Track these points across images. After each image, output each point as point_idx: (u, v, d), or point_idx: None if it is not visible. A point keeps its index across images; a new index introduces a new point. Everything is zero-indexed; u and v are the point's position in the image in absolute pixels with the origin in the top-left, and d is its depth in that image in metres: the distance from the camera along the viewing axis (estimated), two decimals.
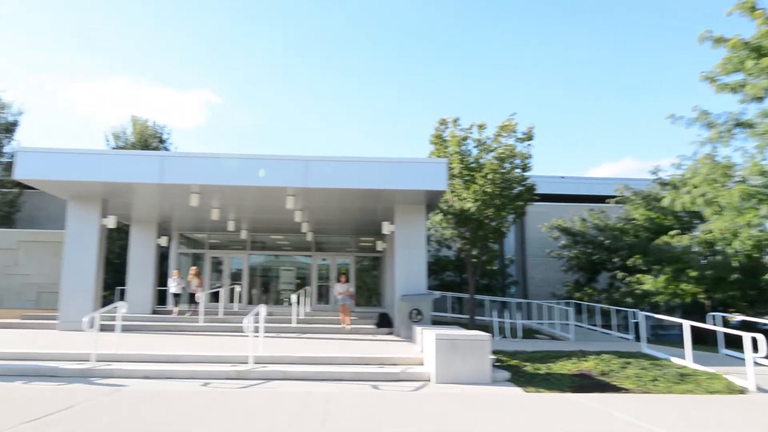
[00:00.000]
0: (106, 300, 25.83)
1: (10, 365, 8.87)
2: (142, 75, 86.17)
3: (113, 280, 25.78)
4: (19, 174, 13.16)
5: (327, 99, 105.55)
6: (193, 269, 18.11)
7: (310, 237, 20.85)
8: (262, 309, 10.05)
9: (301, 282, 22.72)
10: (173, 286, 17.87)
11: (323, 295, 22.40)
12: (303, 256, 22.89)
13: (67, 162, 13.26)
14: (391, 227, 15.39)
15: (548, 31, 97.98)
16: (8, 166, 26.66)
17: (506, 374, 9.37)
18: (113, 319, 17.14)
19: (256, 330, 9.69)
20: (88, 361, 9.25)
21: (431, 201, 15.22)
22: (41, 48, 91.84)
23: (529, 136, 17.56)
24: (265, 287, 23.11)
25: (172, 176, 13.21)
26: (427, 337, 9.77)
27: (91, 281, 14.58)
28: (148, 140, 28.09)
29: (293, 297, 15.96)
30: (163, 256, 25.93)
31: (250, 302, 22.07)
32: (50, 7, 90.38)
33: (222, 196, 14.71)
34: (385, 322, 15.57)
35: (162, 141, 28.76)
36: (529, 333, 17.52)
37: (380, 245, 19.81)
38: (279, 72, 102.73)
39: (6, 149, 27.80)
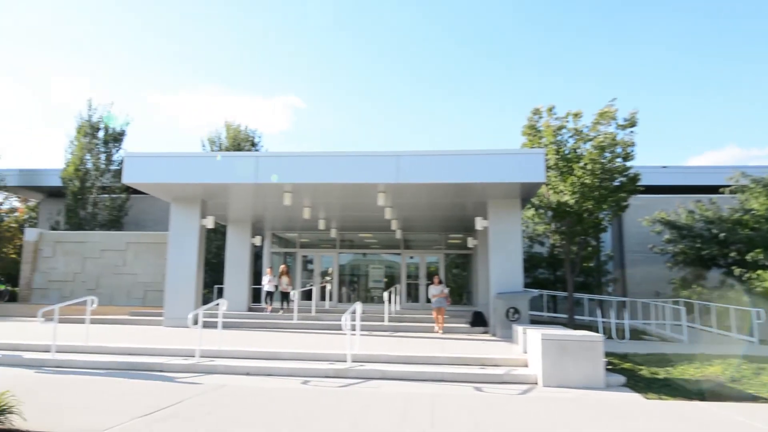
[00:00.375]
0: (206, 298, 27.04)
1: (122, 361, 9.25)
2: (231, 84, 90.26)
3: (211, 279, 26.93)
4: (126, 178, 13.89)
5: (409, 101, 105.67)
6: (282, 267, 18.33)
7: (399, 235, 20.65)
8: (359, 307, 9.88)
9: (390, 280, 22.60)
10: (266, 284, 18.21)
11: (412, 294, 22.15)
12: (391, 254, 22.76)
13: (169, 165, 13.82)
14: (484, 223, 14.82)
15: (632, 18, 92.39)
16: (117, 174, 28.60)
17: (620, 378, 8.61)
18: (213, 316, 17.82)
19: (353, 328, 9.51)
20: (192, 357, 9.48)
21: (527, 194, 14.51)
22: (137, 62, 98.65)
23: (632, 122, 16.33)
24: (355, 286, 23.22)
25: (266, 176, 13.42)
26: (532, 337, 9.19)
27: (192, 280, 15.14)
28: (241, 144, 29.11)
29: (385, 295, 15.76)
30: (256, 255, 26.83)
31: (340, 300, 22.24)
32: (138, 19, 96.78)
33: (313, 194, 14.80)
34: (479, 320, 15.03)
35: (254, 144, 29.70)
36: (635, 334, 16.31)
37: (471, 242, 19.25)
38: (361, 75, 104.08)
39: (115, 158, 29.79)
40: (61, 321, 16.03)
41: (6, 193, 34.50)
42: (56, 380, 7.92)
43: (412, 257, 22.45)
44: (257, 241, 19.96)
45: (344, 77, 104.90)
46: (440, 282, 14.67)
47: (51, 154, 78.19)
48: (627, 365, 9.77)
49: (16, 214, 39.38)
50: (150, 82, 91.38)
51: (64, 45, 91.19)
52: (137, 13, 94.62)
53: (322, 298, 21.11)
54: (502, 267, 14.29)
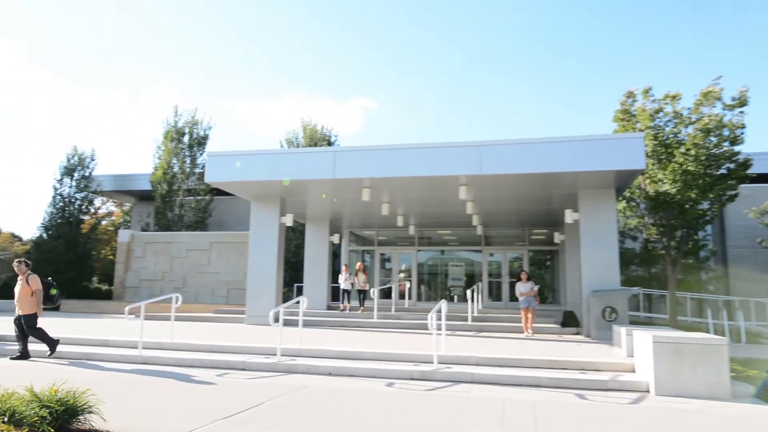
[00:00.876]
0: (286, 297, 27.36)
1: (204, 358, 9.16)
2: (308, 90, 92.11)
3: (290, 277, 27.22)
4: (208, 177, 14.04)
5: (482, 100, 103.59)
6: (358, 265, 17.83)
7: (479, 231, 19.85)
8: (444, 305, 9.28)
9: (470, 279, 21.81)
10: (342, 282, 17.89)
11: (494, 292, 21.24)
12: (472, 251, 21.95)
13: (248, 163, 13.83)
14: (574, 215, 13.79)
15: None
16: (201, 176, 29.54)
17: (749, 388, 7.49)
18: (293, 314, 17.81)
19: (439, 327, 8.92)
20: (273, 355, 9.26)
21: (622, 184, 13.35)
22: (221, 71, 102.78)
23: (741, 102, 14.68)
24: (434, 284, 22.59)
25: (344, 171, 13.12)
26: (639, 339, 8.23)
27: (272, 277, 15.12)
28: (318, 143, 29.26)
29: (468, 293, 15.05)
30: (334, 254, 26.84)
31: (419, 299, 21.72)
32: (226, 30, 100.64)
33: (392, 189, 14.35)
34: (570, 321, 14.00)
35: (330, 144, 29.79)
36: (751, 337, 14.64)
37: (558, 237, 18.12)
38: (433, 74, 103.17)
39: (199, 161, 30.82)
40: (148, 318, 16.55)
41: (103, 198, 36.76)
42: (140, 379, 7.88)
43: (492, 254, 21.52)
44: (335, 239, 19.81)
45: (415, 76, 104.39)
46: (528, 279, 13.50)
47: (142, 160, 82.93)
48: (753, 372, 8.57)
49: (112, 218, 41.92)
50: (232, 90, 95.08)
51: (154, 56, 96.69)
52: (219, 23, 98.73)
53: (401, 296, 20.67)
54: (595, 263, 13.23)
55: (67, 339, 10.52)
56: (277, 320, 9.54)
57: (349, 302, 17.64)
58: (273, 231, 15.36)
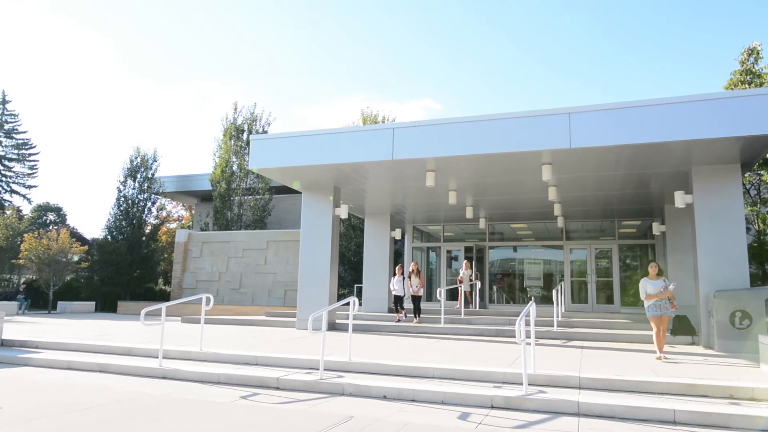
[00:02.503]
0: (344, 298, 25.87)
1: (233, 374, 7.47)
2: (370, 94, 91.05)
3: (351, 277, 25.66)
4: (252, 163, 12.52)
5: (546, 95, 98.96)
6: (412, 266, 14.88)
7: (560, 223, 17.39)
8: (533, 308, 7.17)
9: (548, 278, 19.34)
10: (394, 287, 14.80)
11: (577, 293, 18.66)
12: (550, 247, 19.45)
13: (296, 146, 12.19)
14: (686, 198, 11.23)
15: None
16: (260, 175, 28.57)
17: None
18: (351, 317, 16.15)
19: (528, 336, 6.79)
20: (315, 369, 7.47)
21: (749, 157, 10.67)
22: (283, 75, 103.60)
23: None
24: (508, 284, 20.23)
25: (404, 150, 11.22)
26: None
27: (325, 277, 13.42)
28: None
29: (553, 294, 12.75)
30: (397, 252, 25.04)
31: (490, 301, 19.48)
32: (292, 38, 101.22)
33: (460, 171, 12.29)
34: (683, 327, 11.40)
35: None
36: None
37: (657, 228, 15.42)
38: (493, 69, 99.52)
39: None
40: (189, 321, 15.61)
41: (167, 199, 36.74)
42: (147, 402, 6.26)
43: (573, 250, 18.92)
44: (397, 234, 17.95)
45: (476, 73, 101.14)
46: (660, 273, 9.33)
47: (204, 161, 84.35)
48: None
49: (182, 221, 42.04)
50: (296, 95, 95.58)
51: (218, 63, 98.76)
52: (286, 27, 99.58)
53: (467, 300, 18.50)
54: (716, 256, 10.65)
55: (88, 347, 9.20)
56: (318, 327, 7.74)
57: (404, 310, 15.00)
58: (326, 224, 13.67)
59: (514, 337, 11.80)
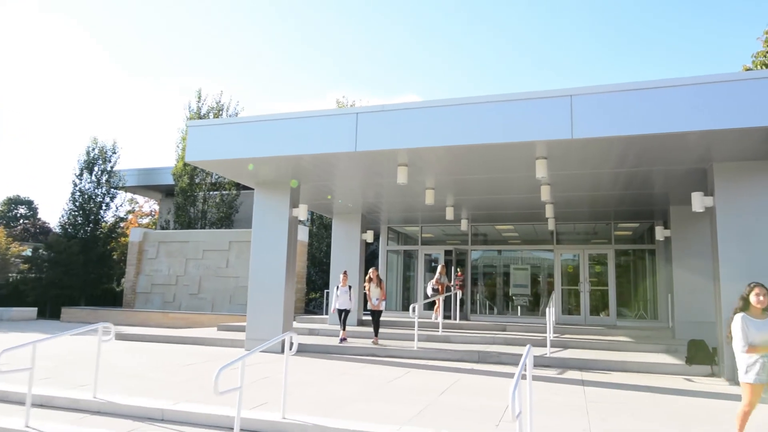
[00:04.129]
0: (315, 303, 23.89)
1: None
2: (354, 88, 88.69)
3: (323, 280, 23.65)
4: (190, 155, 10.45)
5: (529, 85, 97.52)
6: (371, 272, 12.50)
7: (551, 225, 15.56)
8: (530, 360, 5.28)
9: (536, 284, 17.54)
10: (336, 298, 12.35)
11: (569, 303, 16.88)
12: (540, 251, 17.63)
13: (241, 134, 10.16)
14: (706, 201, 9.43)
15: None
16: None
17: None
18: (313, 332, 14.16)
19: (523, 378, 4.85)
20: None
21: None
22: (258, 72, 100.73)
23: None
24: (491, 291, 18.37)
25: (370, 140, 9.26)
26: None
27: (279, 289, 11.41)
28: None
29: (548, 308, 10.88)
30: (373, 254, 23.10)
31: (473, 310, 17.62)
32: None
33: (437, 167, 10.36)
34: (701, 355, 9.60)
35: None
36: None
37: (660, 232, 13.67)
38: (483, 70, 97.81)
39: None
40: (123, 338, 13.29)
41: (136, 195, 34.40)
42: None
43: (563, 254, 17.11)
44: (369, 237, 15.99)
45: (464, 69, 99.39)
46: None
47: (169, 153, 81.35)
48: None
49: (154, 216, 39.59)
50: (272, 91, 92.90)
51: (200, 58, 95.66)
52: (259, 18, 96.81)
53: (447, 308, 16.64)
54: (743, 270, 8.86)
55: None
56: (272, 349, 5.71)
57: (344, 328, 12.19)
58: (281, 227, 11.65)
59: (500, 364, 9.99)
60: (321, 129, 9.61)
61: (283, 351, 11.12)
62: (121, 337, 13.28)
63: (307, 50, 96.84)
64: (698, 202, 9.52)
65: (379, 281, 12.37)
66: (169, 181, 28.67)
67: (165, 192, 31.46)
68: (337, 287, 12.42)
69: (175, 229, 25.92)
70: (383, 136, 9.18)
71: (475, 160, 9.75)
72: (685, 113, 7.90)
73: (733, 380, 8.66)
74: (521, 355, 9.82)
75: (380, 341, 11.95)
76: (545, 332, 13.69)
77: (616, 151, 9.02)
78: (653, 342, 12.06)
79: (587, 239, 17.44)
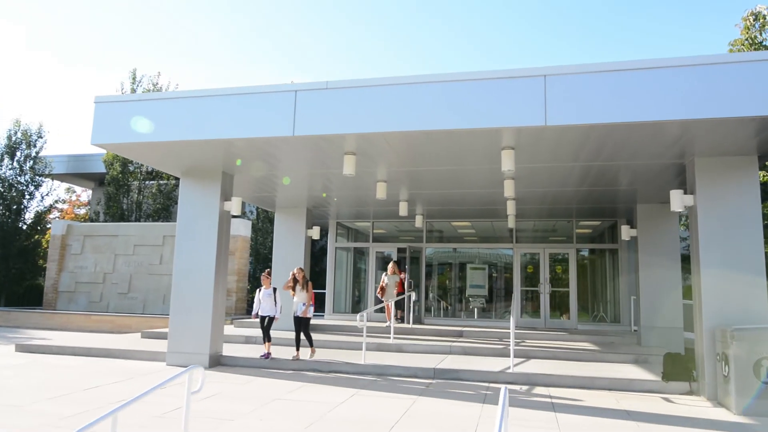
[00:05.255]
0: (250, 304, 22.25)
1: None
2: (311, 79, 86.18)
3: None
4: (97, 137, 8.77)
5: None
6: (295, 272, 10.50)
7: (511, 223, 14.55)
8: (506, 412, 4.04)
9: (494, 285, 16.56)
10: (259, 303, 10.31)
11: (529, 306, 15.97)
12: (498, 248, 16.63)
13: (159, 113, 8.57)
14: (686, 199, 8.51)
15: None
16: None
17: None
18: (251, 340, 12.66)
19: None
20: None
21: None
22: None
23: None
24: (447, 292, 17.27)
25: (310, 124, 7.88)
26: None
27: (207, 294, 9.91)
28: None
29: (512, 318, 9.76)
30: (322, 250, 21.69)
31: (428, 311, 16.48)
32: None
33: (389, 157, 9.06)
34: (678, 370, 8.68)
35: None
36: None
37: (626, 231, 12.84)
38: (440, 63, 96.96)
39: None
40: (24, 350, 11.17)
41: (54, 182, 31.66)
42: None
43: (523, 254, 16.17)
44: (315, 233, 14.59)
45: (420, 66, 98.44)
46: None
47: None
48: None
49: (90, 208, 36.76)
50: (227, 78, 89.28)
51: (148, 45, 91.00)
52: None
53: (397, 309, 15.47)
54: (727, 277, 8.00)
55: None
56: (196, 362, 4.25)
57: (268, 341, 10.18)
58: (211, 222, 10.13)
59: (458, 380, 8.83)
60: (254, 109, 8.15)
61: (211, 366, 9.72)
62: (23, 348, 11.45)
63: (259, 40, 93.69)
64: (678, 201, 8.58)
65: (306, 282, 10.36)
66: (102, 168, 26.44)
67: (98, 181, 29.09)
68: (260, 290, 10.34)
69: (106, 221, 23.77)
70: (327, 119, 7.81)
71: (434, 149, 8.50)
72: (682, 99, 6.86)
73: (715, 400, 7.79)
74: (482, 371, 8.69)
75: (317, 354, 10.55)
76: (505, 338, 12.77)
77: (594, 142, 7.95)
78: (619, 351, 11.21)
79: (547, 237, 16.59)
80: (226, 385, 8.23)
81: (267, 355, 10.07)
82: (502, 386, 4.06)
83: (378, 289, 14.53)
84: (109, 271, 20.00)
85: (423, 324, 15.40)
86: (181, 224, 10.32)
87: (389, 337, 12.07)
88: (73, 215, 34.43)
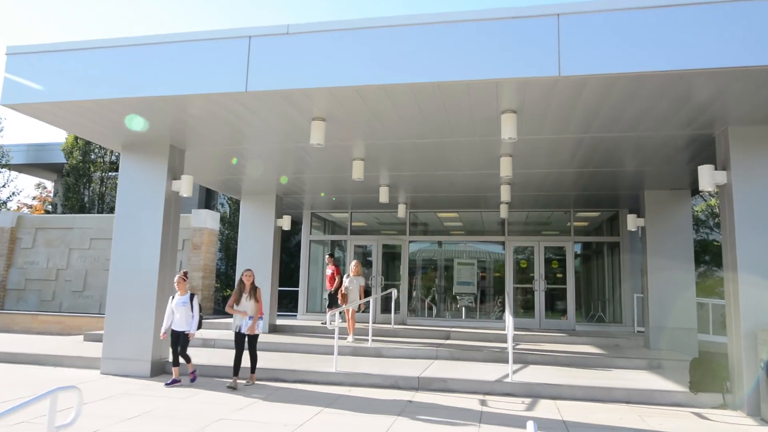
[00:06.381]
0: (218, 303, 20.64)
1: None
2: None
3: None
4: (6, 96, 7.14)
5: None
6: (244, 275, 8.01)
7: (503, 212, 13.14)
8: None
9: (483, 283, 15.14)
10: (172, 313, 7.75)
11: (521, 304, 14.57)
12: (488, 242, 15.21)
13: (85, 64, 6.98)
14: (717, 177, 7.16)
15: None
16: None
17: None
18: (210, 343, 11.10)
19: None
20: None
21: None
22: None
23: None
24: (432, 290, 15.80)
25: (268, 77, 6.36)
26: None
27: (151, 289, 8.34)
28: None
29: (508, 319, 8.34)
30: (299, 246, 20.13)
31: (411, 311, 15.00)
32: None
33: (369, 122, 7.54)
34: (709, 379, 7.31)
35: None
36: None
37: (632, 221, 11.48)
38: None
39: None
40: None
41: (12, 172, 29.70)
42: None
43: (515, 248, 14.76)
44: (285, 223, 13.05)
45: None
46: None
47: None
48: None
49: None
50: None
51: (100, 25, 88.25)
52: None
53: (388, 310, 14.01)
54: (765, 262, 6.69)
55: None
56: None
57: (187, 361, 7.82)
58: (155, 206, 8.57)
59: (447, 392, 7.40)
60: (199, 60, 6.60)
61: (153, 375, 7.89)
62: None
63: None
64: (707, 178, 7.23)
65: (254, 290, 7.90)
66: (61, 158, 24.65)
67: (60, 172, 27.23)
68: (172, 297, 7.78)
69: (64, 213, 21.96)
70: (288, 71, 6.29)
71: (419, 113, 7.03)
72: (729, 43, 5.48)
73: (757, 416, 6.44)
74: (475, 380, 7.24)
75: (287, 361, 9.04)
76: (496, 341, 11.38)
77: (615, 103, 6.52)
78: (628, 355, 9.86)
79: (542, 230, 15.23)
80: (164, 400, 6.69)
81: (174, 382, 7.57)
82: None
83: (339, 295, 11.38)
84: (62, 267, 18.21)
85: (406, 324, 13.94)
86: (120, 209, 8.74)
87: (367, 340, 10.59)
88: (43, 212, 32.49)
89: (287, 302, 18.86)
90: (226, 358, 8.71)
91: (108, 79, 6.88)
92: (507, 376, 7.83)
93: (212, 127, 8.00)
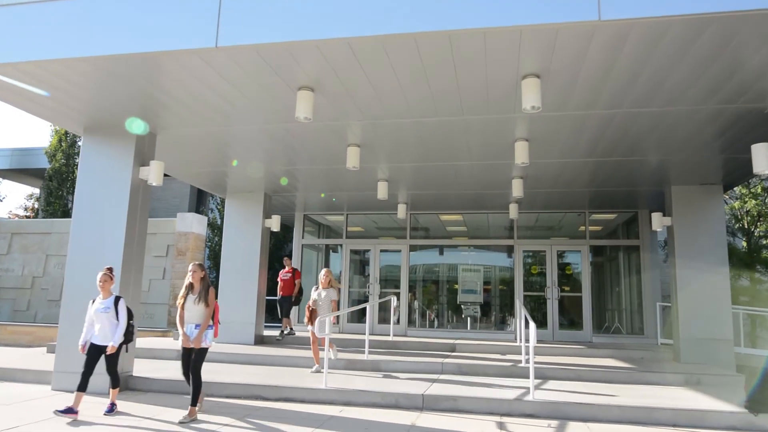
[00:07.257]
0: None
1: None
2: None
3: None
4: None
5: None
6: (192, 273, 6.02)
7: (513, 212, 12.03)
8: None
9: (490, 291, 13.98)
10: (92, 330, 6.22)
11: (531, 315, 13.36)
12: (495, 247, 14.03)
13: (16, 21, 5.90)
14: None
15: None
16: None
17: None
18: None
19: None
20: None
21: None
22: None
23: None
24: (435, 299, 14.61)
25: (243, 30, 5.28)
26: None
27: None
28: None
29: (519, 328, 7.18)
30: (287, 248, 19.02)
31: (411, 323, 13.81)
32: None
33: (364, 90, 6.42)
34: (766, 398, 6.15)
35: None
36: None
37: (658, 221, 10.33)
38: None
39: None
40: None
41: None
42: None
43: (525, 253, 13.59)
44: (274, 224, 11.90)
45: None
46: None
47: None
48: None
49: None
50: None
51: None
52: None
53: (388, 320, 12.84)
54: None
55: None
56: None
57: (115, 388, 6.17)
58: (119, 197, 7.45)
59: (456, 413, 6.24)
60: (159, 10, 5.52)
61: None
62: None
63: None
64: (763, 158, 6.13)
65: (206, 290, 5.97)
66: (45, 163, 23.60)
67: (46, 177, 26.19)
68: (92, 302, 6.22)
69: (45, 219, 20.81)
70: (265, 19, 5.22)
71: (424, 75, 5.93)
72: None
73: None
74: (489, 398, 6.12)
75: (270, 376, 7.83)
76: (508, 353, 10.21)
77: (658, 62, 5.43)
78: (659, 369, 8.69)
79: (553, 233, 14.11)
80: (120, 417, 5.52)
81: (112, 409, 5.94)
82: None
83: (306, 310, 8.54)
84: (38, 275, 17.04)
85: (407, 336, 12.76)
86: (79, 202, 7.66)
87: (363, 352, 9.41)
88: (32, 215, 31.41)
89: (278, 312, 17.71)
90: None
91: (45, 35, 5.79)
92: (527, 393, 6.66)
93: (184, 104, 6.90)
